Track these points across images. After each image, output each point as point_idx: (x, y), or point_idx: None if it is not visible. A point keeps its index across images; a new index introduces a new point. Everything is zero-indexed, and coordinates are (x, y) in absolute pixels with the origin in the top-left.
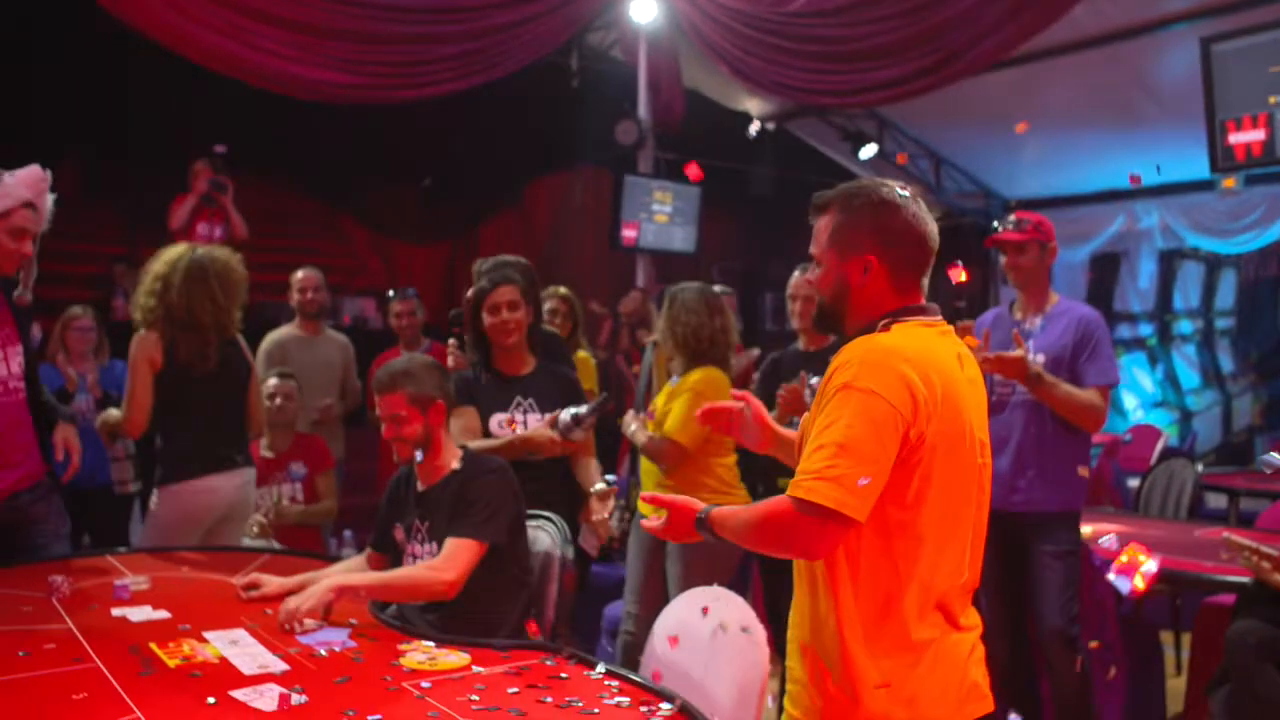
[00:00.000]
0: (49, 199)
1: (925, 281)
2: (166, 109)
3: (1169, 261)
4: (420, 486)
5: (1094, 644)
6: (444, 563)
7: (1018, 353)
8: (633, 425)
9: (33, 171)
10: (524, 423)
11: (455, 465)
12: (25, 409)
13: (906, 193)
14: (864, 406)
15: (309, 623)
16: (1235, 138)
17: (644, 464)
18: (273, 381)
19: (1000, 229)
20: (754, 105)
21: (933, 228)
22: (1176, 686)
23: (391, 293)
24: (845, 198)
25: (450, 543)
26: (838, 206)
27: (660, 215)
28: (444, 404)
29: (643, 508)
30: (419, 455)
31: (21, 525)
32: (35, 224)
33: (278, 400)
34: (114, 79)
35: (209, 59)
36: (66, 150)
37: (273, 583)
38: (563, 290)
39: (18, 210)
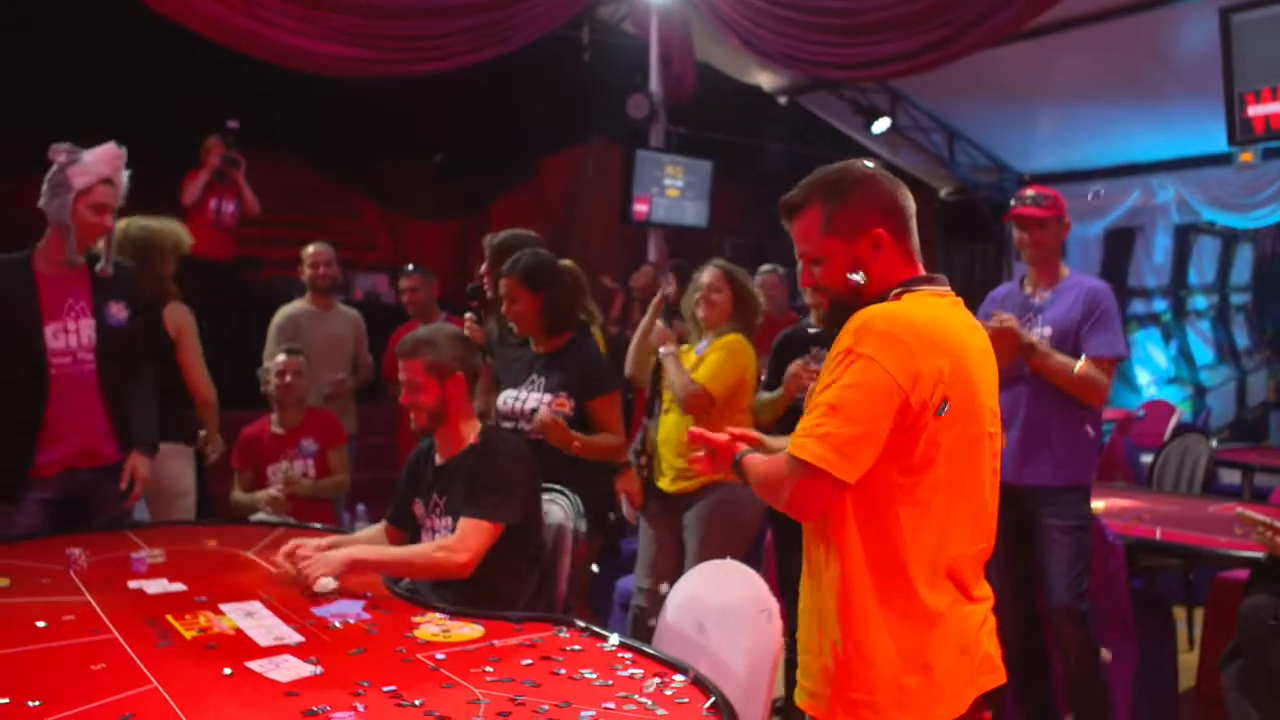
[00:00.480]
0: (124, 174)
1: (918, 247)
2: (178, 85)
3: (1184, 236)
4: (439, 460)
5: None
6: (458, 544)
7: (1008, 323)
8: (670, 348)
9: (109, 148)
10: (525, 400)
11: (473, 439)
12: (94, 382)
13: (872, 164)
14: (861, 371)
15: (325, 584)
16: (1254, 110)
17: (662, 432)
18: (281, 358)
19: (1018, 205)
20: (766, 78)
21: (906, 191)
22: (1189, 661)
23: (410, 267)
24: (827, 185)
25: (464, 523)
26: (820, 197)
27: (672, 190)
28: (463, 376)
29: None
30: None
31: (86, 502)
32: (113, 199)
33: (287, 377)
34: (124, 55)
35: (219, 34)
36: (76, 129)
37: (309, 545)
38: (567, 263)
39: (97, 186)
